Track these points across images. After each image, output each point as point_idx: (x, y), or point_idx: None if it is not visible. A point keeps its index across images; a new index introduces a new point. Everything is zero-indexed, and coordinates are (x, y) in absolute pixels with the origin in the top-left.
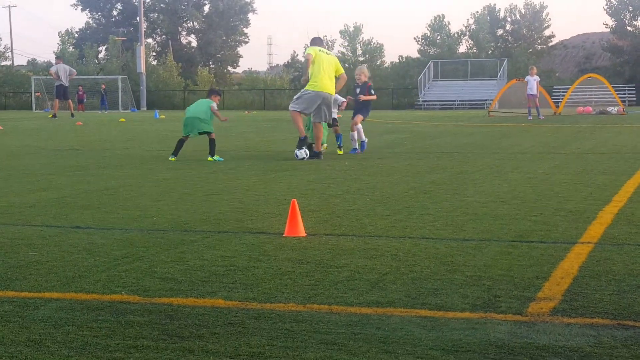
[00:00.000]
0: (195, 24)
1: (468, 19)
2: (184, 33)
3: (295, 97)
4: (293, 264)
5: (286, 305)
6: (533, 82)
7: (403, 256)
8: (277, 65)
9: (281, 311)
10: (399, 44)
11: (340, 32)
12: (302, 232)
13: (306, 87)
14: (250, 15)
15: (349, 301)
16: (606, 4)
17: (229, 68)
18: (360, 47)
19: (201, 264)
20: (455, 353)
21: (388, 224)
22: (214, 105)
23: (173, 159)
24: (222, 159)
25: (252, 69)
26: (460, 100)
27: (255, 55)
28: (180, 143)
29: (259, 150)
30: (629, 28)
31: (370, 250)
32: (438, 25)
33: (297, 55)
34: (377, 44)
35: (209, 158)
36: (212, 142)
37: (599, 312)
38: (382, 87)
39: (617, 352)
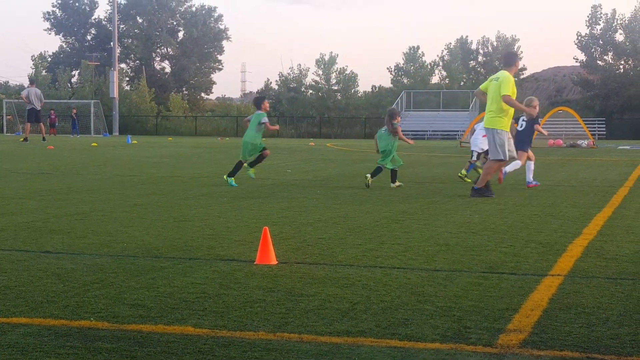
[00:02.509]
0: (169, 50)
1: (442, 50)
2: (157, 59)
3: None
4: (264, 292)
5: (256, 333)
6: None
7: (374, 286)
8: (251, 92)
9: (251, 339)
10: (373, 74)
11: (316, 61)
12: (274, 260)
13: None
14: (224, 42)
15: (319, 330)
16: (577, 39)
17: (202, 94)
18: (335, 76)
19: (171, 290)
20: None
21: (359, 253)
22: (264, 118)
23: (227, 178)
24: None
25: (226, 96)
26: (432, 131)
27: (229, 82)
28: (239, 165)
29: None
30: (599, 62)
31: (341, 279)
32: (412, 55)
33: (271, 82)
34: (352, 73)
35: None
36: (259, 158)
37: (568, 345)
38: (355, 116)
39: None
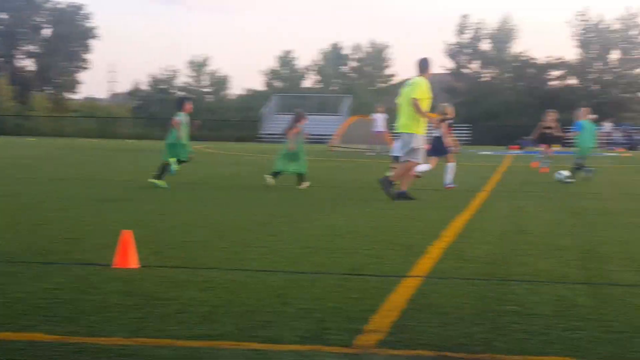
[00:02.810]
0: (33, 47)
1: (315, 55)
2: (21, 56)
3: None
4: (121, 296)
5: (110, 338)
6: (380, 120)
7: (236, 289)
8: (119, 93)
9: (104, 345)
10: (246, 76)
11: (188, 62)
12: (134, 264)
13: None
14: (92, 41)
15: (178, 335)
16: (445, 47)
17: (68, 94)
18: (207, 78)
19: (22, 296)
20: None
21: (223, 256)
22: (175, 118)
23: (155, 181)
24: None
25: (93, 96)
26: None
27: (97, 82)
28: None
29: (95, 179)
30: (464, 70)
31: (203, 282)
32: (286, 60)
33: (141, 83)
34: (224, 76)
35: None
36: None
37: (423, 344)
38: (227, 119)
39: None
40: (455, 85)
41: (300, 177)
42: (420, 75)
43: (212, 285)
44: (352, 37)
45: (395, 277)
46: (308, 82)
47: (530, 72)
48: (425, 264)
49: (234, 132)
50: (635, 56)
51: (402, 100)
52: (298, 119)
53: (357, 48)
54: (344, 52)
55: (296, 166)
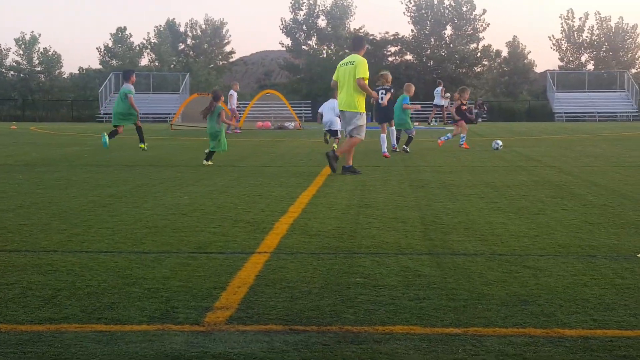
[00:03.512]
0: None
1: (149, 32)
2: None
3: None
4: None
5: None
6: (235, 97)
7: (79, 271)
8: None
9: None
10: (81, 55)
11: (15, 40)
12: None
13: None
14: None
15: (20, 319)
16: (281, 24)
17: None
18: (37, 56)
19: None
20: None
21: (64, 239)
22: (130, 93)
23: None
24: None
25: None
26: (142, 114)
27: None
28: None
29: None
30: (304, 47)
31: (44, 265)
32: (120, 37)
33: None
34: (55, 53)
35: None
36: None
37: (273, 319)
38: (61, 98)
39: (289, 355)
40: (295, 62)
41: (210, 155)
42: (358, 53)
43: (54, 269)
44: (188, 13)
45: (242, 254)
46: (144, 60)
47: (367, 48)
48: (272, 240)
49: (71, 112)
50: (468, 32)
51: (344, 79)
52: (217, 98)
53: (193, 25)
54: (180, 29)
55: (215, 144)
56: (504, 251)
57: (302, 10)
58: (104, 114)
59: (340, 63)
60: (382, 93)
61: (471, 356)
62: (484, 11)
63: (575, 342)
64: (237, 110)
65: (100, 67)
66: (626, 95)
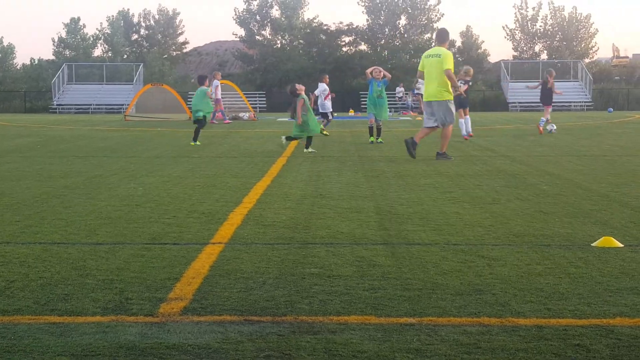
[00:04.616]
0: None
1: (102, 22)
2: None
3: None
4: None
5: None
6: (219, 88)
7: (32, 262)
8: None
9: None
10: (32, 45)
11: None
12: None
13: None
14: None
15: None
16: (234, 14)
17: None
18: None
19: None
20: (84, 358)
21: (17, 230)
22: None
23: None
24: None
25: None
26: (96, 104)
27: None
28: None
29: None
30: (258, 37)
31: None
32: (73, 27)
33: None
34: (9, 45)
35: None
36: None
37: (227, 310)
38: (13, 89)
39: (243, 346)
40: (248, 52)
41: (309, 140)
42: (442, 45)
43: (7, 260)
44: (141, 3)
45: (196, 245)
46: (98, 50)
47: (321, 38)
48: (226, 231)
49: (24, 103)
50: (422, 22)
51: (430, 70)
52: (294, 93)
53: (146, 15)
54: (134, 19)
55: (309, 130)
56: (458, 241)
57: (255, 0)
58: (57, 104)
59: (425, 54)
60: (461, 82)
61: (426, 345)
62: (439, 1)
63: (529, 331)
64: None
65: (53, 57)
66: (580, 85)
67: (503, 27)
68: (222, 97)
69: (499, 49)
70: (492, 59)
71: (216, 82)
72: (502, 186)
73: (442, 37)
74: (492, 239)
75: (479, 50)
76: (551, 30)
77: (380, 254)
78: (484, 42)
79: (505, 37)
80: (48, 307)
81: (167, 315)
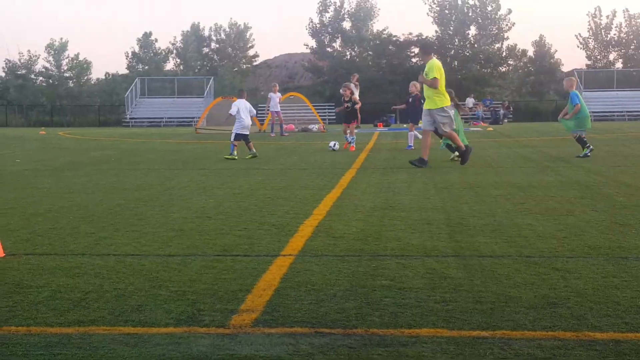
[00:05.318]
0: None
1: (174, 37)
2: None
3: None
4: None
5: None
6: (276, 99)
7: (107, 274)
8: None
9: None
10: (107, 60)
11: (46, 47)
12: (0, 253)
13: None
14: None
15: (49, 321)
16: (308, 26)
17: None
18: (66, 63)
19: None
20: None
21: (92, 242)
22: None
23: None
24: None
25: None
26: (168, 118)
27: None
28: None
29: None
30: (328, 49)
31: (72, 268)
32: (146, 42)
33: None
34: (85, 60)
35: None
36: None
37: (298, 321)
38: (89, 103)
39: (314, 358)
40: (319, 64)
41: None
42: (427, 58)
43: (83, 271)
44: (212, 17)
45: (267, 257)
46: (170, 64)
47: (391, 50)
48: (297, 243)
49: (98, 117)
50: (493, 31)
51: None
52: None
53: (217, 29)
54: (205, 33)
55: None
56: (531, 253)
57: (328, 12)
58: (130, 118)
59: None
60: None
61: (499, 359)
62: (509, 11)
63: (606, 345)
64: (277, 112)
65: (126, 71)
66: None
67: (576, 36)
68: (291, 109)
69: (572, 58)
70: (565, 68)
71: (270, 94)
72: (576, 197)
73: (424, 51)
74: (567, 251)
75: (552, 60)
76: (626, 38)
77: (451, 266)
78: (556, 51)
79: (578, 46)
80: (122, 318)
81: (239, 327)
